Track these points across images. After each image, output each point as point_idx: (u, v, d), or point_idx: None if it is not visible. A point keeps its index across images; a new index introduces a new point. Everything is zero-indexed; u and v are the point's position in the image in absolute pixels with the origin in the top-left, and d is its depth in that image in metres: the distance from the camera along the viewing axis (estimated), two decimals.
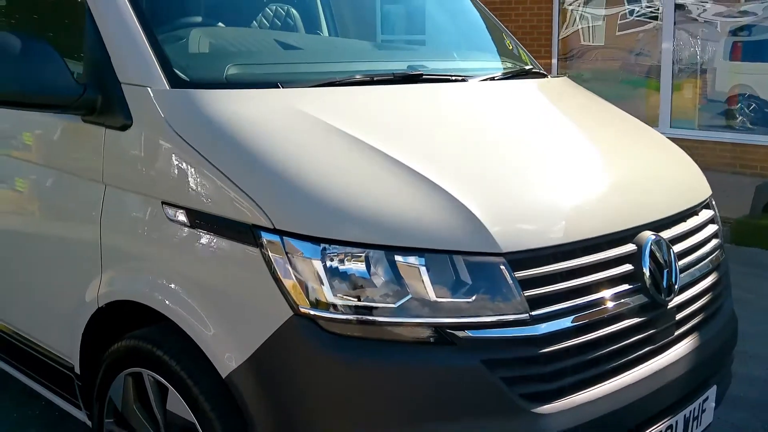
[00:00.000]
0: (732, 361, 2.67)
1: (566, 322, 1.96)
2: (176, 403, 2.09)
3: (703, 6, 9.28)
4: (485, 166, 2.18)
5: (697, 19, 9.33)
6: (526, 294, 1.90)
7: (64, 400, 2.67)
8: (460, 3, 3.62)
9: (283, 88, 2.25)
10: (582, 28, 10.30)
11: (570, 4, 10.31)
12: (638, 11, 9.88)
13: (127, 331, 2.25)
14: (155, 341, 2.13)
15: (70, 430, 3.06)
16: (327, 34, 3.77)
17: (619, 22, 10.09)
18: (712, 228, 2.56)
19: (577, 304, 1.99)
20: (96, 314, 2.33)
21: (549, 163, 2.31)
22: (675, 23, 9.26)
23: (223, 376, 1.95)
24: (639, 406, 2.08)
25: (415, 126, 2.31)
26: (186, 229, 2.05)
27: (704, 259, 2.44)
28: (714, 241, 2.54)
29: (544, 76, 3.21)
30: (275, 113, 2.12)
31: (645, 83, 9.72)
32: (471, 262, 1.87)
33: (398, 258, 1.85)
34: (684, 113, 9.40)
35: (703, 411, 2.36)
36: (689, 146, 9.14)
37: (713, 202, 2.68)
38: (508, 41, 3.39)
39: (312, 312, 1.84)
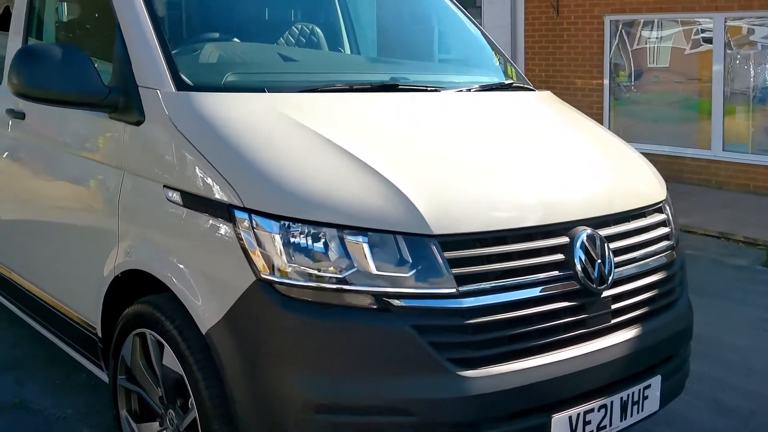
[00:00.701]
0: (686, 357, 2.87)
1: (493, 299, 2.25)
2: (170, 359, 2.47)
3: (756, 28, 9.28)
4: (432, 160, 2.50)
5: (750, 42, 9.33)
6: (455, 271, 2.20)
7: (89, 362, 3.09)
8: (455, 22, 3.90)
9: (268, 92, 2.63)
10: (634, 50, 10.41)
11: (622, 27, 10.44)
12: (691, 33, 9.94)
13: (139, 298, 2.66)
14: (156, 305, 2.52)
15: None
16: (348, 51, 4.14)
17: (671, 45, 10.15)
18: (661, 230, 2.79)
19: (506, 284, 2.28)
20: (114, 284, 2.74)
21: (494, 161, 2.61)
22: (727, 46, 9.28)
23: (203, 333, 2.32)
24: (565, 382, 2.32)
25: (377, 126, 2.65)
26: (180, 208, 2.45)
27: (648, 257, 2.67)
28: (663, 243, 2.77)
29: (528, 90, 3.46)
30: (256, 113, 2.50)
31: (697, 106, 9.74)
32: (406, 241, 2.19)
33: (345, 235, 2.18)
34: (737, 136, 9.38)
35: (646, 398, 2.56)
36: (742, 169, 9.20)
37: (668, 207, 2.90)
38: (498, 58, 3.66)
39: (271, 278, 2.19)
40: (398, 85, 3.02)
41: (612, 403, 2.45)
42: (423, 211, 2.21)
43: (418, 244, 2.20)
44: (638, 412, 2.55)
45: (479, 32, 3.85)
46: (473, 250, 2.26)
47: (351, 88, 2.90)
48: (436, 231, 2.21)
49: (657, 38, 10.19)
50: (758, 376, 3.98)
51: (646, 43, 10.26)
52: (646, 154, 10.44)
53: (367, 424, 2.16)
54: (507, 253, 2.31)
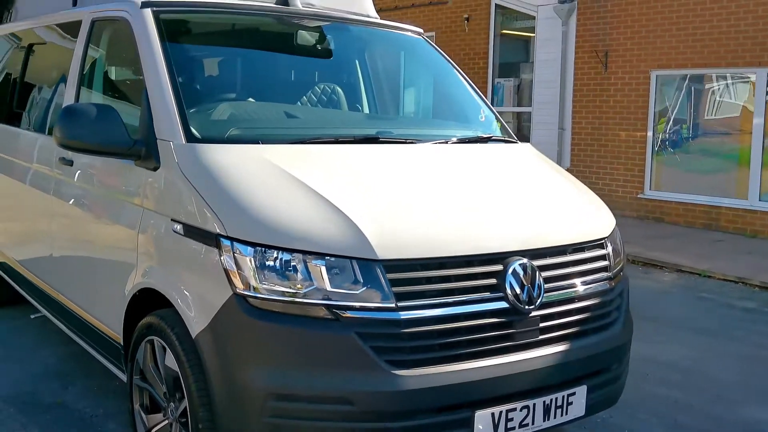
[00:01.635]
0: (620, 373, 3.23)
1: (428, 313, 2.69)
2: (171, 360, 2.99)
3: None
4: (388, 198, 2.97)
5: None
6: (395, 289, 2.66)
7: (114, 366, 3.66)
8: (456, 84, 4.38)
9: (261, 144, 3.18)
10: (676, 103, 10.67)
11: (666, 82, 10.73)
12: (733, 88, 10.16)
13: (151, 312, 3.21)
14: (162, 317, 3.05)
15: None
16: (367, 109, 4.69)
17: (714, 98, 10.38)
18: (599, 263, 3.18)
19: (440, 301, 2.72)
20: (132, 300, 3.31)
21: (444, 199, 3.07)
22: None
23: (193, 337, 2.84)
24: (489, 385, 2.74)
25: (348, 170, 3.14)
26: (182, 237, 2.99)
27: (581, 285, 3.07)
28: (599, 274, 3.16)
29: (508, 142, 3.92)
30: (245, 160, 3.03)
31: (737, 157, 9.91)
32: (357, 264, 2.67)
33: (307, 259, 2.68)
34: None
35: (570, 403, 2.95)
36: None
37: (610, 244, 3.29)
38: (483, 114, 4.13)
39: (245, 293, 2.69)
40: (379, 138, 3.54)
41: (534, 405, 2.84)
42: (371, 239, 2.68)
43: (366, 267, 2.67)
44: (562, 415, 2.94)
45: (474, 92, 4.33)
46: (412, 273, 2.72)
47: (336, 141, 3.43)
48: (381, 256, 2.67)
49: (700, 92, 10.44)
50: (725, 403, 4.25)
51: (688, 97, 10.52)
52: (685, 204, 10.93)
53: (316, 411, 2.62)
54: (444, 276, 2.76)
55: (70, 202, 3.98)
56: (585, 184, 3.77)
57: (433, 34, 14.03)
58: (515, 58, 13.17)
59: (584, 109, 11.58)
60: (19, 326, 5.27)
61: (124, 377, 3.54)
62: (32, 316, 5.27)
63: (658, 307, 6.39)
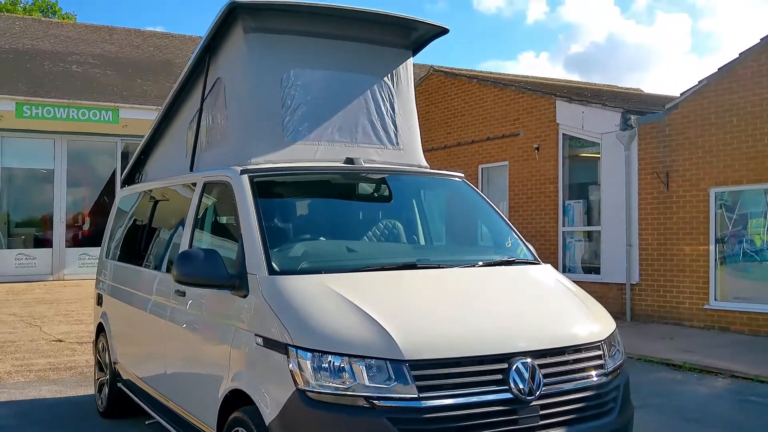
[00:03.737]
0: None
1: (445, 401, 3.49)
2: None
3: None
4: (417, 312, 3.85)
5: None
6: (418, 383, 3.48)
7: None
8: (491, 217, 5.27)
9: (323, 273, 4.13)
10: (736, 217, 11.14)
11: (725, 198, 11.26)
12: None
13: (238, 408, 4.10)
14: (246, 412, 3.95)
15: None
16: (422, 239, 5.61)
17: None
18: (594, 362, 3.91)
19: (456, 392, 3.51)
20: (224, 401, 4.22)
21: (464, 311, 3.92)
22: None
23: (266, 425, 3.71)
24: None
25: (387, 291, 4.04)
26: (262, 348, 3.92)
27: (576, 380, 3.79)
28: (595, 371, 3.88)
29: (531, 264, 4.74)
30: (310, 287, 3.97)
31: None
32: (388, 364, 3.52)
33: (351, 361, 3.55)
34: None
35: None
36: None
37: (605, 347, 4.00)
38: (509, 241, 4.99)
39: (304, 388, 3.57)
40: (416, 264, 4.45)
41: None
42: (400, 344, 3.54)
43: (395, 366, 3.52)
44: None
45: (504, 222, 5.22)
46: (432, 370, 3.54)
47: (382, 268, 4.36)
48: (407, 357, 3.52)
49: (756, 205, 10.90)
50: None
51: (746, 211, 10.99)
52: (749, 313, 11.74)
53: None
54: (459, 372, 3.56)
55: (183, 326, 5.02)
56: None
57: (507, 162, 15.09)
58: (583, 180, 13.99)
59: (649, 226, 12.17)
60: None
61: None
62: (147, 423, 6.29)
63: (702, 410, 6.83)
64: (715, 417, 6.60)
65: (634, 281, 12.31)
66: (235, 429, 4.04)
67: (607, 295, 12.37)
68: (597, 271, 13.16)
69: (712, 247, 11.21)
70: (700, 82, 11.55)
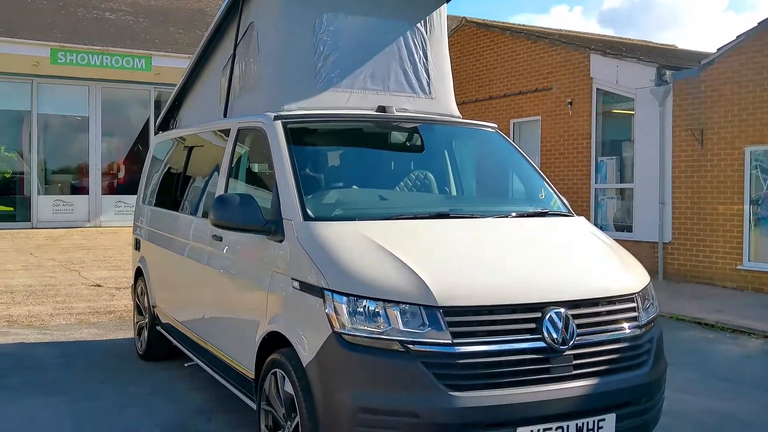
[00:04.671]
0: (650, 407, 3.90)
1: (478, 348, 3.55)
2: (288, 386, 3.97)
3: None
4: (451, 259, 3.88)
5: None
6: (452, 329, 3.53)
7: (245, 396, 4.68)
8: (524, 169, 5.27)
9: (357, 221, 4.18)
10: None
11: (760, 156, 11.08)
12: None
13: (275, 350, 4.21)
14: (284, 353, 4.05)
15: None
16: (454, 190, 5.63)
17: None
18: (628, 314, 3.93)
19: (489, 339, 3.57)
20: (262, 342, 4.33)
21: (498, 259, 3.96)
22: None
23: (304, 367, 3.80)
24: (529, 407, 3.52)
25: (421, 239, 4.08)
26: (298, 291, 4.00)
27: (610, 331, 3.82)
28: (628, 323, 3.91)
29: (564, 215, 4.75)
30: (344, 233, 4.03)
31: None
32: (422, 309, 3.58)
33: (386, 306, 3.61)
34: None
35: (600, 428, 3.68)
36: None
37: (639, 299, 4.02)
38: (543, 193, 4.99)
39: (341, 331, 3.65)
40: (449, 214, 4.48)
41: (568, 426, 3.60)
42: (434, 291, 3.59)
43: (429, 312, 3.57)
44: None
45: (537, 173, 5.21)
46: (465, 317, 3.59)
47: (416, 216, 4.40)
48: (441, 303, 3.57)
49: None
50: None
51: None
52: None
53: (392, 422, 3.50)
54: (492, 320, 3.61)
55: (221, 271, 5.12)
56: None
57: (539, 117, 14.95)
58: (617, 136, 13.83)
59: (683, 184, 12.04)
60: (174, 375, 6.50)
61: (254, 406, 4.55)
62: (186, 365, 6.49)
63: (734, 369, 6.85)
64: (748, 376, 6.61)
65: (667, 240, 12.23)
66: (273, 370, 4.14)
67: (639, 253, 12.30)
68: (629, 229, 13.09)
69: (746, 207, 11.08)
70: (738, 37, 11.28)
